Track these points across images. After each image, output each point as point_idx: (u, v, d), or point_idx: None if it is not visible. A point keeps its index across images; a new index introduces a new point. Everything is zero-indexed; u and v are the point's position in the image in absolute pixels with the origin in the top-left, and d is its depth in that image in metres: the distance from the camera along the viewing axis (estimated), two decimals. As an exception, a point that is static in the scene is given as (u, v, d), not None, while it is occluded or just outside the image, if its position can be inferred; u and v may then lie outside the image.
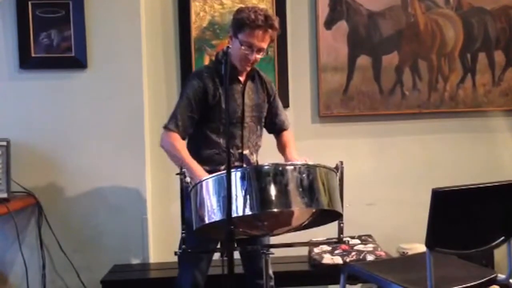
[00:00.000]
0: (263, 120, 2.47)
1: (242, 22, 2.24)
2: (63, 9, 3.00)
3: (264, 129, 2.51)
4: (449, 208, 1.98)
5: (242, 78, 2.38)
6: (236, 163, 2.31)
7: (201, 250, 2.28)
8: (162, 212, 3.16)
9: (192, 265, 2.33)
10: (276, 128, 2.54)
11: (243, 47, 2.26)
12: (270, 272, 2.43)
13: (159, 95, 3.21)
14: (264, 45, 2.27)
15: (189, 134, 2.36)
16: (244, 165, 2.30)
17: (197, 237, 2.10)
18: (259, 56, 2.29)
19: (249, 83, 2.40)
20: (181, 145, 2.31)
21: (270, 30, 2.25)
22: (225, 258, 1.78)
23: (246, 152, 2.35)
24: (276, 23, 2.27)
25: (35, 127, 3.02)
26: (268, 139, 2.56)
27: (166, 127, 2.33)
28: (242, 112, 2.34)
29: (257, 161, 2.44)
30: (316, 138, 3.27)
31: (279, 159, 2.42)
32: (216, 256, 2.29)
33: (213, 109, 2.31)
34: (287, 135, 2.54)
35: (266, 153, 2.47)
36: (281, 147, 2.51)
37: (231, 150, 2.31)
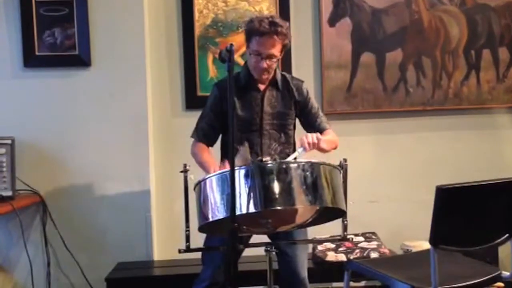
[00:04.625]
0: (289, 127, 2.43)
1: (249, 33, 2.29)
2: (66, 7, 3.00)
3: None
4: (453, 205, 1.98)
5: (262, 86, 2.37)
6: None
7: (205, 248, 2.29)
8: (166, 210, 3.17)
9: (212, 261, 2.34)
10: (314, 130, 2.44)
11: (253, 56, 2.28)
12: (303, 274, 2.35)
13: (163, 93, 3.21)
14: (274, 51, 2.26)
15: (215, 140, 2.43)
16: None
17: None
18: (270, 63, 2.28)
19: (271, 92, 2.38)
20: (202, 149, 2.38)
21: (276, 36, 2.24)
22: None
23: (267, 159, 2.35)
24: (283, 28, 2.25)
25: (40, 125, 3.03)
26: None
27: (192, 137, 2.43)
28: (260, 120, 2.34)
29: None
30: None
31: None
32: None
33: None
34: (326, 133, 2.43)
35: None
36: None
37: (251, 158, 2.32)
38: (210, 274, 2.33)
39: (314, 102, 2.49)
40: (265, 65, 2.27)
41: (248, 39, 2.30)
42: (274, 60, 2.29)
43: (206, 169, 2.25)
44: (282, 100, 2.39)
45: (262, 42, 2.24)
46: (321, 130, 2.45)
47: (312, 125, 2.47)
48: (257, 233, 2.25)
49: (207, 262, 2.37)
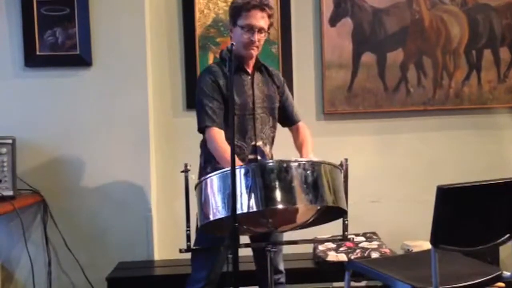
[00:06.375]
0: (276, 111, 2.45)
1: (238, 8, 2.32)
2: (67, 7, 3.01)
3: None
4: (454, 205, 1.98)
5: (249, 69, 2.39)
6: (250, 156, 2.32)
7: (206, 247, 2.29)
8: (167, 209, 3.17)
9: (207, 261, 2.34)
10: (288, 121, 2.53)
11: (244, 31, 2.30)
12: (282, 267, 2.46)
13: (164, 93, 3.22)
14: (264, 24, 2.32)
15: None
16: (258, 157, 2.31)
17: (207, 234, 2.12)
18: (260, 37, 2.33)
19: (257, 75, 2.42)
20: (221, 140, 2.27)
21: (266, 8, 2.31)
22: (230, 255, 1.78)
23: (259, 143, 2.36)
24: (270, 2, 2.33)
25: (40, 125, 3.03)
26: (282, 132, 2.53)
27: (204, 127, 2.31)
28: (252, 103, 2.35)
29: (271, 153, 2.44)
30: (321, 135, 3.23)
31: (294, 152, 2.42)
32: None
33: (227, 102, 2.30)
34: (303, 132, 2.50)
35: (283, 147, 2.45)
36: (298, 145, 2.47)
37: (244, 143, 2.33)
38: (206, 275, 2.33)
39: (289, 92, 2.56)
40: (256, 38, 2.30)
41: (236, 16, 2.32)
42: (263, 34, 2.33)
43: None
44: (267, 84, 2.44)
45: (252, 15, 2.29)
46: (294, 122, 2.54)
47: (287, 114, 2.52)
48: (258, 233, 2.25)
49: (201, 262, 2.35)
